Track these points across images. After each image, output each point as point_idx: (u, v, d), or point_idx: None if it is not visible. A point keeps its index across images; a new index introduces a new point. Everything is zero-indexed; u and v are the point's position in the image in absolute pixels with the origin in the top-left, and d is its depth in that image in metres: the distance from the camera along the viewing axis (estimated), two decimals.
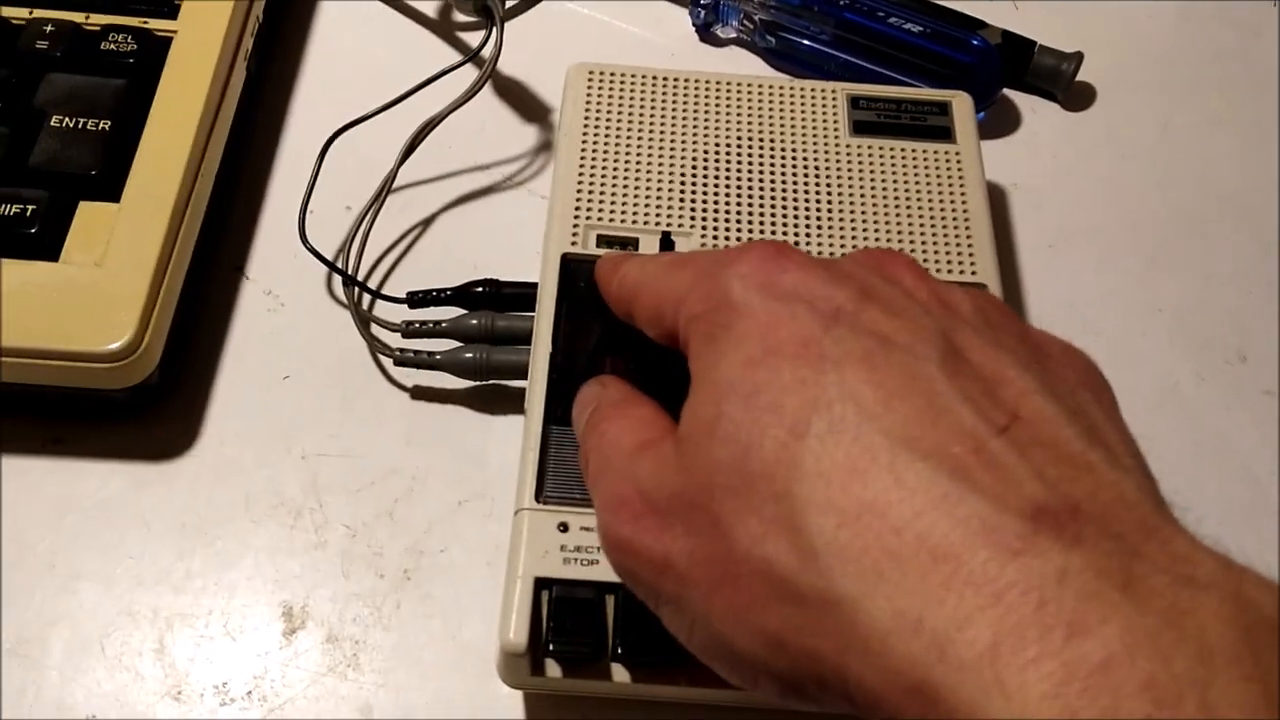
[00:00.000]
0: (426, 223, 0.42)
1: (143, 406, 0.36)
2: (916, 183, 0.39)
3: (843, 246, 0.37)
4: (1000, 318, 0.26)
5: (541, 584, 0.30)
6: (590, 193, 0.38)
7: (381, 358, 0.38)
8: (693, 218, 0.37)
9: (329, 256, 0.40)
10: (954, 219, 0.38)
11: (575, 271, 0.36)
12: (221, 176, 0.39)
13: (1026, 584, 0.19)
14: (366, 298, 0.39)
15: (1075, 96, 0.47)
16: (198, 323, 0.39)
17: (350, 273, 0.39)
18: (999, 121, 0.46)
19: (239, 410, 0.37)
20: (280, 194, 0.42)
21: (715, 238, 0.37)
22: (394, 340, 0.38)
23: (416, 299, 0.38)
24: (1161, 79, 0.48)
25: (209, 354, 0.38)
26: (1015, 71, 0.46)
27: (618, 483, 0.26)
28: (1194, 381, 0.40)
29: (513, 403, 0.37)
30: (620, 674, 0.30)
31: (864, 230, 0.37)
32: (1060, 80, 0.46)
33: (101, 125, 0.37)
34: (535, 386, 0.34)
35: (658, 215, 0.37)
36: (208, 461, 0.36)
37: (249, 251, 0.41)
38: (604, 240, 0.37)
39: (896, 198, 0.38)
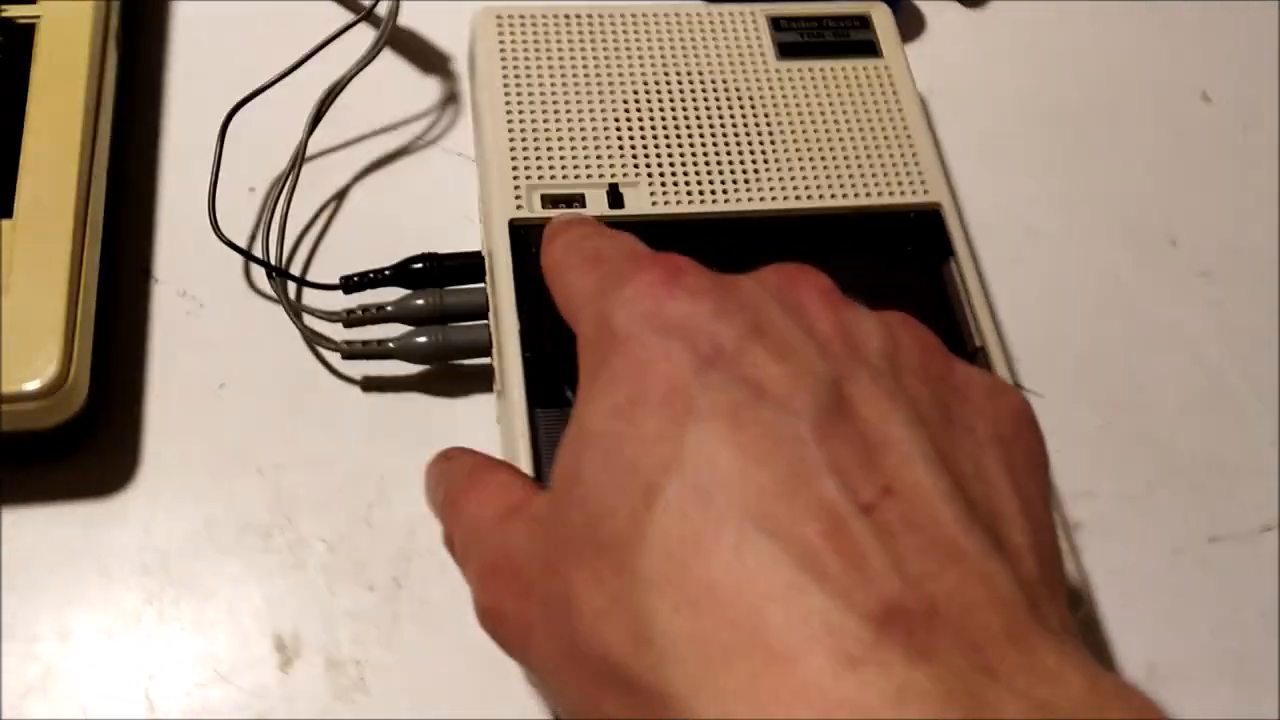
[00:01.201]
0: (340, 195, 0.39)
1: (69, 442, 0.33)
2: (851, 103, 0.38)
3: (791, 175, 0.36)
4: (915, 355, 0.23)
5: None
6: (525, 150, 0.35)
7: (324, 352, 0.35)
8: (636, 165, 0.36)
9: (241, 241, 0.37)
10: (895, 137, 0.37)
11: (526, 239, 0.34)
12: (110, 173, 0.35)
13: (858, 703, 0.16)
14: (294, 286, 0.36)
15: None
16: (112, 337, 0.35)
17: (271, 259, 0.36)
18: (903, 25, 0.45)
19: (177, 429, 0.34)
20: (173, 183, 0.38)
21: (664, 183, 0.35)
22: (335, 331, 0.35)
23: (352, 283, 0.35)
24: None
25: (131, 371, 0.35)
26: None
27: (487, 553, 0.24)
28: (1132, 271, 0.41)
29: (472, 382, 0.35)
30: None
31: (809, 159, 0.36)
32: None
33: None
34: (509, 368, 0.32)
35: (599, 166, 0.35)
36: (156, 491, 0.33)
37: (152, 251, 0.37)
38: (549, 200, 0.35)
39: (835, 121, 0.37)
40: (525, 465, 0.30)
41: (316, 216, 0.38)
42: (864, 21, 0.40)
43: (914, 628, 0.17)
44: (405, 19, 0.42)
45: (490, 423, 0.34)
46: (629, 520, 0.20)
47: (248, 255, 0.36)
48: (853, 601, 0.18)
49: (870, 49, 0.39)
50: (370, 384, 0.35)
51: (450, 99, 0.41)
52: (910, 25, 0.46)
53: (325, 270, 0.37)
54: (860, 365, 0.22)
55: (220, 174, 0.36)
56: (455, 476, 0.27)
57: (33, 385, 0.29)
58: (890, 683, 0.17)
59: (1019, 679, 0.17)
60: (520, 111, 0.36)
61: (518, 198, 0.35)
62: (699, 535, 0.19)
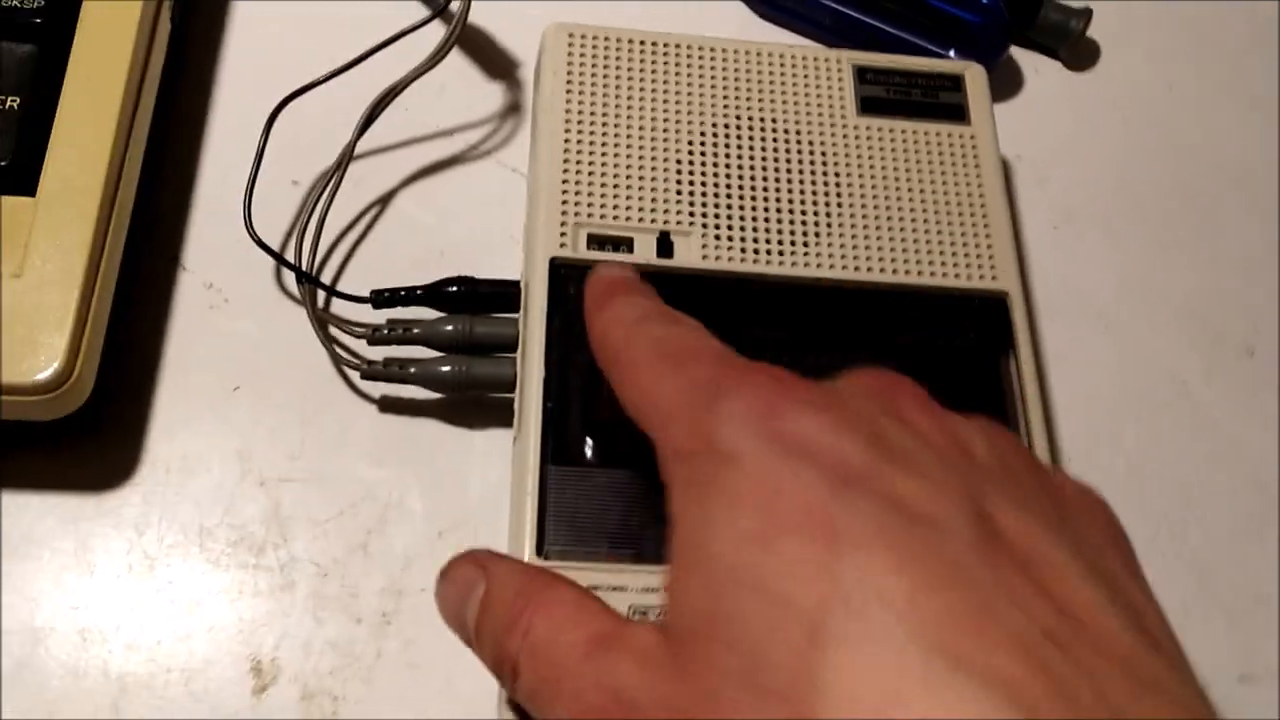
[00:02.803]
0: (384, 201, 0.37)
1: (72, 429, 0.32)
2: (929, 171, 0.36)
3: (854, 242, 0.34)
4: (1016, 458, 0.23)
5: None
6: (578, 184, 0.34)
7: (345, 368, 0.34)
8: (691, 213, 0.34)
9: (276, 238, 0.36)
10: (970, 214, 0.35)
11: (565, 278, 0.32)
12: (149, 154, 0.34)
13: None
14: (322, 294, 0.35)
15: (1078, 54, 0.44)
16: (130, 322, 0.34)
17: (304, 261, 0.35)
18: (999, 83, 0.43)
19: (185, 428, 0.33)
20: (215, 169, 0.37)
21: (718, 237, 0.33)
22: (358, 346, 0.34)
23: (382, 298, 0.34)
24: (1167, 37, 0.45)
25: (146, 361, 0.34)
26: (1019, 25, 0.43)
27: (587, 693, 0.21)
28: (1201, 379, 0.38)
29: (493, 416, 0.34)
30: None
31: (875, 228, 0.34)
32: (1068, 37, 0.43)
33: (9, 103, 0.31)
34: (528, 417, 0.30)
35: (653, 210, 0.34)
36: (153, 491, 0.32)
37: (183, 238, 0.36)
38: (595, 240, 0.33)
39: (909, 190, 0.35)
40: (529, 524, 0.29)
41: (357, 220, 0.37)
42: (956, 83, 0.37)
43: None
44: (482, 19, 0.40)
45: (506, 461, 0.33)
46: (794, 661, 0.18)
47: (279, 258, 0.34)
48: None
49: (958, 114, 0.37)
50: (387, 405, 0.34)
51: (512, 109, 0.40)
52: (1006, 82, 0.43)
53: (358, 276, 0.36)
54: (983, 476, 0.21)
55: (265, 167, 0.35)
56: (501, 592, 0.24)
57: (35, 379, 0.29)
58: None
59: None
60: (579, 140, 0.34)
61: (563, 234, 0.33)
62: (883, 676, 0.17)
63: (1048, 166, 0.41)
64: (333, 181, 0.35)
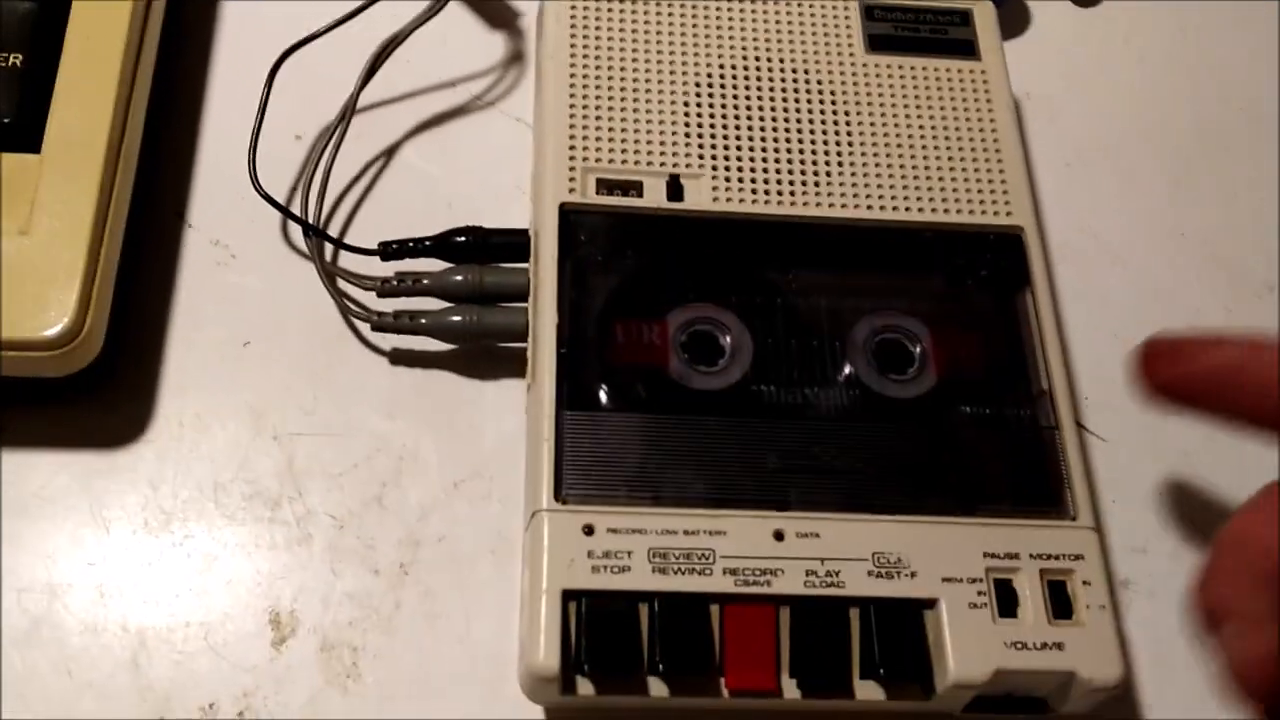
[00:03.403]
0: (390, 153, 0.37)
1: (83, 387, 0.31)
2: (940, 108, 0.35)
3: (866, 181, 0.33)
4: None
5: (569, 596, 0.27)
6: (585, 129, 0.33)
7: (354, 319, 0.34)
8: (701, 156, 0.33)
9: (281, 193, 0.35)
10: (982, 150, 0.35)
11: (575, 224, 0.32)
12: (151, 110, 0.34)
13: None
14: (330, 247, 0.35)
15: None
16: (138, 281, 0.34)
17: (310, 215, 0.34)
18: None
19: (196, 384, 0.33)
20: (218, 125, 0.37)
21: (728, 179, 0.33)
22: (367, 299, 0.34)
23: (390, 250, 0.34)
24: None
25: (155, 318, 0.33)
26: None
27: None
28: (1222, 315, 0.38)
29: (504, 365, 0.34)
30: (658, 687, 0.27)
31: (887, 166, 0.34)
32: None
33: (12, 60, 0.31)
34: (542, 364, 0.30)
35: (662, 153, 0.33)
36: (166, 447, 0.32)
37: (189, 194, 0.35)
38: (604, 185, 0.33)
39: (920, 126, 0.35)
40: (547, 470, 0.28)
41: (362, 173, 0.37)
42: (965, 18, 0.37)
43: None
44: None
45: (520, 411, 0.32)
46: None
47: (285, 211, 0.34)
48: None
49: (968, 49, 0.36)
50: (399, 357, 0.34)
51: (515, 58, 0.39)
52: (1014, 21, 0.42)
53: (366, 230, 0.35)
54: None
55: (268, 121, 0.34)
56: None
57: (45, 334, 0.28)
58: None
59: None
60: (585, 85, 0.34)
61: (571, 179, 0.33)
62: None
63: (1058, 104, 0.41)
64: (336, 134, 0.35)
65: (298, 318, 0.34)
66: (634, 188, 0.33)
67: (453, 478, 0.32)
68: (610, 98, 0.34)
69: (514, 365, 0.33)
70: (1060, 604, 0.28)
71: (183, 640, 0.30)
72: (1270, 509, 0.25)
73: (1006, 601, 0.28)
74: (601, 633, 0.27)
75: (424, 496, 0.32)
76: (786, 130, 0.34)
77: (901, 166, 0.34)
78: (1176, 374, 0.27)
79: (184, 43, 0.38)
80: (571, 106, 0.33)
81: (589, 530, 0.28)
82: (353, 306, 0.34)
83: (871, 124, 0.34)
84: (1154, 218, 0.39)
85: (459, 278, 0.33)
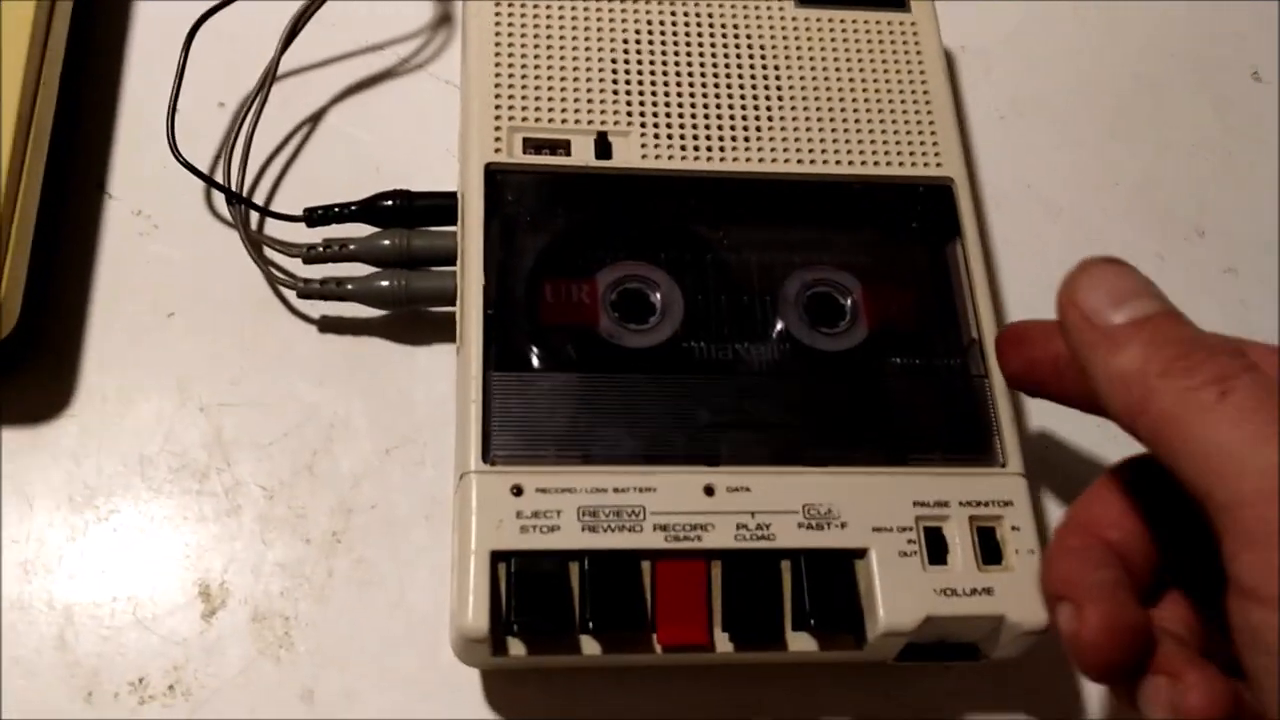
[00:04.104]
0: (316, 119, 0.36)
1: (2, 362, 0.31)
2: (870, 61, 0.35)
3: (796, 135, 0.33)
4: None
5: (498, 557, 0.27)
6: (512, 88, 0.33)
7: (281, 288, 0.33)
8: (629, 113, 0.33)
9: (205, 162, 0.35)
10: (913, 103, 0.34)
11: (502, 184, 0.32)
12: (67, 80, 0.33)
13: None
14: (255, 215, 0.34)
15: None
16: (58, 254, 0.33)
17: (233, 185, 0.34)
18: None
19: (119, 357, 0.32)
20: (137, 95, 0.36)
21: (657, 135, 0.33)
22: (294, 266, 0.33)
23: (316, 216, 0.33)
24: None
25: (76, 291, 0.33)
26: None
27: None
28: (1154, 261, 0.38)
29: (436, 330, 0.33)
30: (590, 645, 0.27)
31: (817, 120, 0.34)
32: None
33: None
34: (469, 326, 0.30)
35: (590, 111, 0.33)
36: (89, 421, 0.31)
37: (109, 165, 0.35)
38: (531, 144, 0.32)
39: (850, 80, 0.34)
40: (474, 431, 0.28)
41: (288, 140, 0.36)
42: None
43: None
44: None
45: (451, 375, 0.32)
46: None
47: (207, 179, 0.34)
48: None
49: (898, 2, 0.36)
50: (328, 325, 0.33)
51: (444, 20, 0.39)
52: None
53: (294, 198, 0.35)
54: None
55: (190, 90, 0.34)
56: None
57: None
58: None
59: None
60: (511, 44, 0.33)
61: (498, 139, 0.32)
62: None
63: (992, 57, 0.41)
64: (258, 100, 0.34)
65: (223, 287, 0.33)
66: (561, 146, 0.32)
67: (385, 444, 0.32)
68: (537, 56, 0.33)
69: (445, 330, 0.33)
70: (989, 550, 0.28)
71: (110, 615, 0.29)
72: (1108, 493, 0.26)
73: (936, 549, 0.28)
74: (531, 592, 0.27)
75: (355, 464, 0.32)
76: (715, 86, 0.34)
77: (832, 120, 0.34)
78: (1023, 360, 0.28)
79: (100, 11, 0.37)
80: (497, 65, 0.33)
81: (517, 491, 0.28)
82: (279, 274, 0.33)
83: (801, 78, 0.34)
84: (1088, 168, 0.39)
85: (386, 242, 0.33)
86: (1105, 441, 0.34)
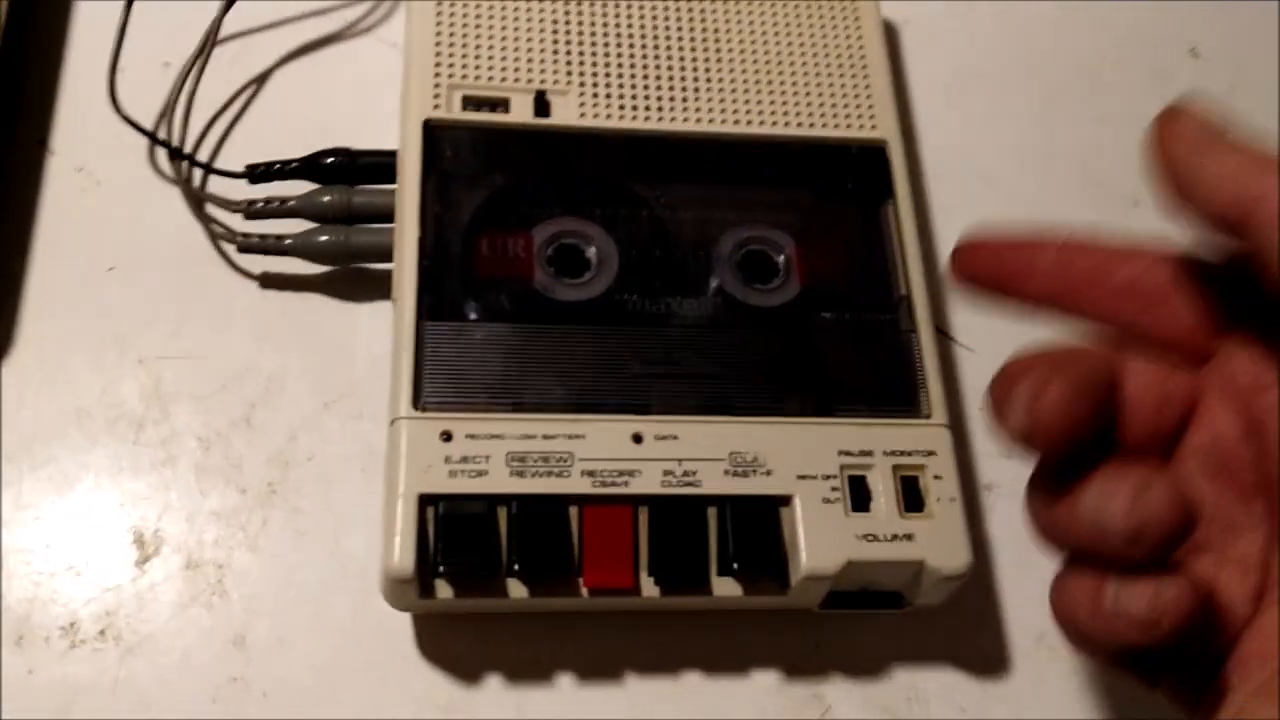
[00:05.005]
0: (261, 79, 0.37)
1: None
2: (809, 24, 0.35)
3: (734, 96, 0.34)
4: None
5: (426, 500, 0.27)
6: (452, 45, 0.33)
7: (223, 243, 0.34)
8: (569, 72, 0.33)
9: (149, 122, 0.35)
10: (850, 66, 0.35)
11: (441, 140, 0.32)
12: (10, 37, 0.33)
13: None
14: (198, 173, 0.34)
15: None
16: None
17: (176, 143, 0.34)
18: None
19: (58, 310, 0.32)
20: (82, 51, 0.36)
21: (595, 94, 0.33)
22: (235, 222, 0.34)
23: (257, 173, 0.34)
24: None
25: (16, 245, 0.33)
26: None
27: None
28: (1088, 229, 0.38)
29: (378, 287, 0.33)
30: (517, 589, 0.28)
31: (755, 81, 0.34)
32: None
33: None
34: (404, 277, 0.30)
35: (529, 70, 0.33)
36: (27, 372, 0.31)
37: (51, 122, 0.35)
38: (470, 101, 0.33)
39: (788, 42, 0.35)
40: (406, 379, 0.29)
41: (233, 100, 0.36)
42: None
43: None
44: None
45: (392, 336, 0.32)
46: None
47: (148, 134, 0.34)
48: None
49: None
50: (269, 281, 0.34)
51: None
52: None
53: (239, 155, 0.35)
54: None
55: (136, 49, 0.34)
56: None
57: None
58: None
59: None
60: (451, 2, 0.34)
61: (437, 96, 0.32)
62: None
63: (936, 29, 0.41)
64: (201, 59, 0.35)
65: (164, 243, 0.34)
66: (501, 104, 0.33)
67: (323, 398, 0.32)
68: (477, 15, 0.34)
69: (386, 287, 0.33)
70: (912, 498, 0.29)
71: (43, 561, 0.29)
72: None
73: (860, 497, 0.28)
74: (457, 534, 0.27)
75: (293, 417, 0.32)
76: (655, 46, 0.34)
77: (769, 81, 0.34)
78: (990, 254, 0.26)
79: None
80: (438, 23, 0.33)
81: (447, 436, 0.28)
82: (220, 230, 0.33)
83: (740, 39, 0.35)
84: (1026, 137, 0.40)
85: (326, 198, 0.33)
86: None
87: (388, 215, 0.32)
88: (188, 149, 0.35)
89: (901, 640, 0.31)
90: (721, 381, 0.30)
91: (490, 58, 0.33)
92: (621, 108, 0.33)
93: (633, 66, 0.34)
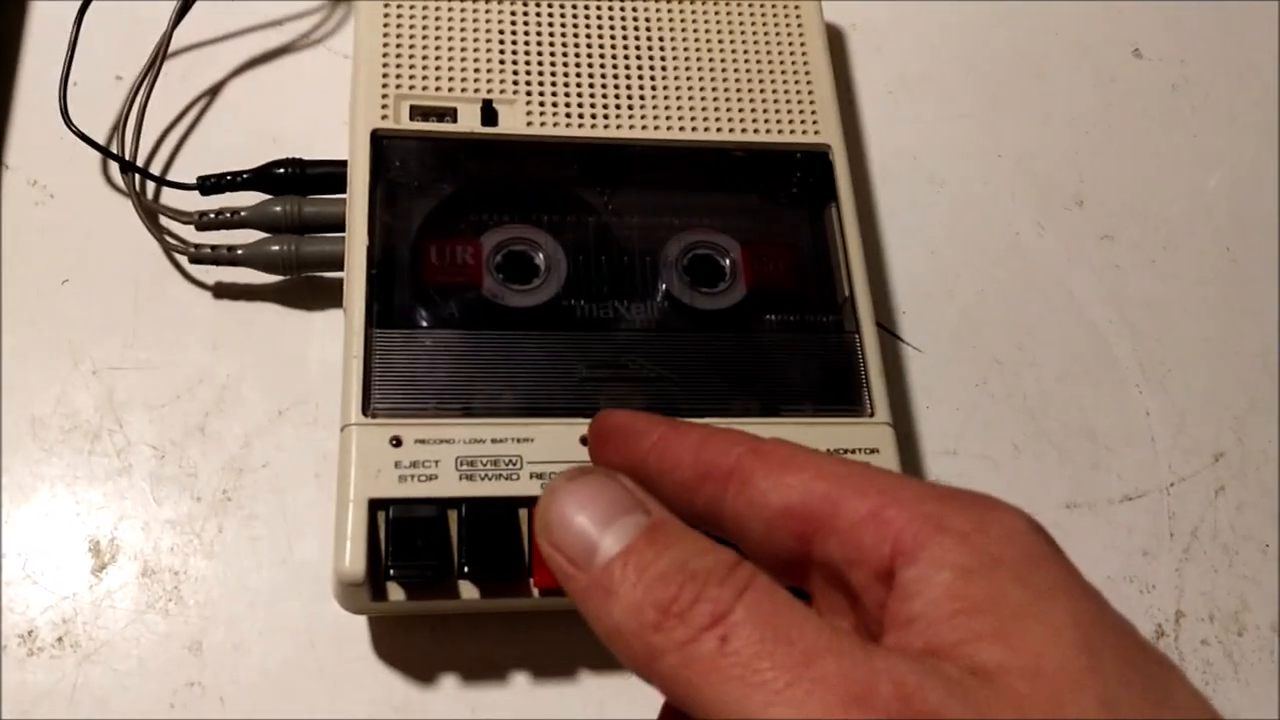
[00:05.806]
0: (213, 92, 0.37)
1: None
2: (753, 31, 0.36)
3: (679, 103, 0.34)
4: None
5: (377, 505, 0.28)
6: (399, 55, 0.34)
7: (176, 254, 0.34)
8: (515, 81, 0.34)
9: (102, 136, 0.35)
10: (793, 72, 0.36)
11: (388, 150, 0.32)
12: None
13: None
14: (151, 185, 0.35)
15: None
16: None
17: (128, 156, 0.34)
18: None
19: (13, 322, 0.33)
20: (35, 66, 0.36)
21: (542, 103, 0.34)
22: (188, 233, 0.34)
23: (209, 184, 0.34)
24: None
25: None
26: None
27: None
28: (1035, 229, 0.39)
29: (331, 296, 0.34)
30: (469, 590, 0.28)
31: (700, 89, 0.35)
32: None
33: None
34: (353, 285, 0.30)
35: (476, 79, 0.34)
36: None
37: (4, 136, 0.35)
38: (418, 111, 0.33)
39: (733, 50, 0.36)
40: (356, 386, 0.29)
41: (185, 112, 0.37)
42: None
43: None
44: None
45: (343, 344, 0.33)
46: None
47: (100, 148, 0.34)
48: None
49: None
50: (222, 291, 0.34)
51: None
52: None
53: (191, 167, 0.35)
54: None
55: (89, 64, 0.34)
56: (694, 583, 0.17)
57: None
58: None
59: None
60: (399, 13, 0.34)
61: (384, 106, 0.33)
62: None
63: (881, 35, 0.42)
64: (152, 72, 0.35)
65: (117, 255, 0.34)
66: (448, 114, 0.33)
67: (277, 406, 0.33)
68: (424, 25, 0.34)
69: (338, 296, 0.33)
70: None
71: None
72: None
73: None
74: (407, 538, 0.27)
75: (247, 425, 0.32)
76: (601, 54, 0.35)
77: (714, 88, 0.35)
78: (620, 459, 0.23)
79: None
80: (385, 34, 0.34)
81: (396, 442, 0.28)
82: (172, 241, 0.34)
83: (685, 47, 0.35)
84: (972, 140, 0.41)
85: (278, 209, 0.33)
86: (972, 390, 0.36)
87: (339, 225, 0.33)
88: (140, 161, 0.35)
89: None
90: (669, 384, 0.30)
91: (438, 67, 0.34)
92: (568, 116, 0.34)
93: (579, 75, 0.34)
